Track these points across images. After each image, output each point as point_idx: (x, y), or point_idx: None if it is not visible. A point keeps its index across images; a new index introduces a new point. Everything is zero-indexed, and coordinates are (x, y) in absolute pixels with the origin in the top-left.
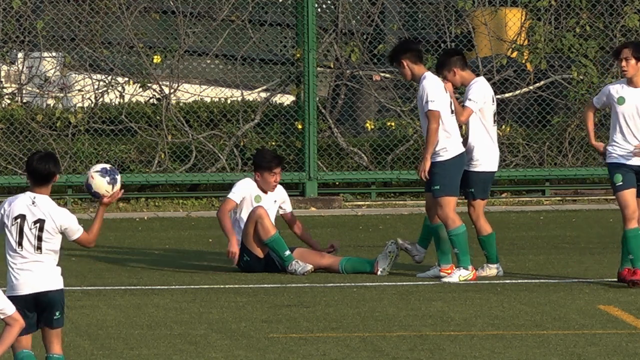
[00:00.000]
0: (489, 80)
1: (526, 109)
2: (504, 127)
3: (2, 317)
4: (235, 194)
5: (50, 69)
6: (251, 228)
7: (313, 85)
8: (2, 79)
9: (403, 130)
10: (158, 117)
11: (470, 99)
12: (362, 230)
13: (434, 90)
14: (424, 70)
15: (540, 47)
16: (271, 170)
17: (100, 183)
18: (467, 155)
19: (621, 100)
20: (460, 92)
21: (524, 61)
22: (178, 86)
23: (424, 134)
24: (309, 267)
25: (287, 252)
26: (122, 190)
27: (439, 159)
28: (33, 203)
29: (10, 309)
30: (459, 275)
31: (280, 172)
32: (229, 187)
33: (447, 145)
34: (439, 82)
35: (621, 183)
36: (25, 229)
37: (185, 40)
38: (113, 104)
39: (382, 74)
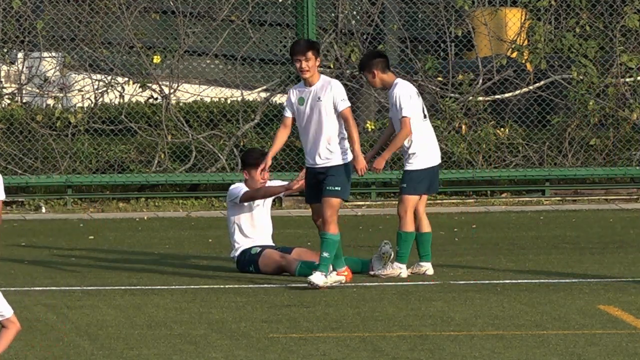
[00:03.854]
0: (488, 80)
1: (526, 109)
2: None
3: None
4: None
5: (50, 69)
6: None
7: None
8: (2, 79)
9: None
10: (158, 117)
11: (402, 108)
12: (362, 230)
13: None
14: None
15: (540, 47)
16: (258, 167)
17: None
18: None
19: None
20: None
21: (524, 61)
22: (178, 86)
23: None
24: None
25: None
26: None
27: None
28: None
29: (7, 311)
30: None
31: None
32: (229, 187)
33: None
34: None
35: None
36: None
37: (185, 40)
38: (113, 104)
39: None
